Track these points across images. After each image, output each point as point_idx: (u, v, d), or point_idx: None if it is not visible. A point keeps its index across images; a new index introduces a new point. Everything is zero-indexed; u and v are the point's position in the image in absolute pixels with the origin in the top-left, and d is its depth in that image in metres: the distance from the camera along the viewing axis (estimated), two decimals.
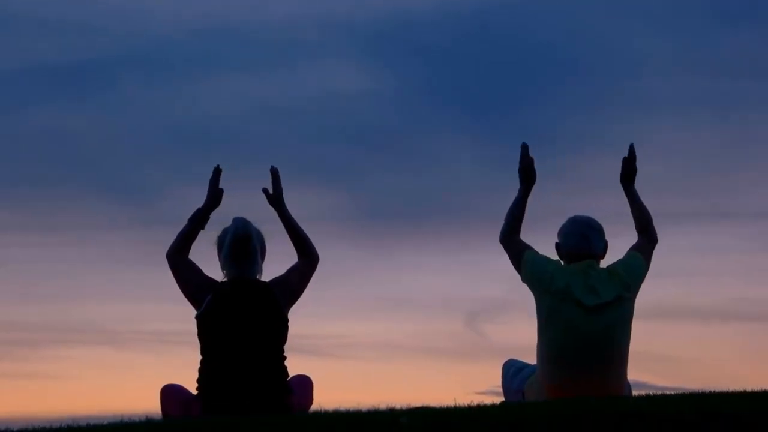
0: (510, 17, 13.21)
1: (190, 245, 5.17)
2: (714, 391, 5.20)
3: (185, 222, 5.22)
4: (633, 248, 5.50)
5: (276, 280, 5.08)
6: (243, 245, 5.04)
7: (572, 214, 5.54)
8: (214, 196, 5.27)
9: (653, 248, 5.53)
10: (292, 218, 5.31)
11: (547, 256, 5.44)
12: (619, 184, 5.70)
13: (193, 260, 5.16)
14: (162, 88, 13.46)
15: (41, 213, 12.95)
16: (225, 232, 5.13)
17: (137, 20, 13.36)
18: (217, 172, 5.30)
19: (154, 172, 12.93)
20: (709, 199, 12.71)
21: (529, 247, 5.44)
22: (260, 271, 5.10)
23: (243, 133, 13.33)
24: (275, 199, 5.35)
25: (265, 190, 5.38)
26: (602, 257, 5.45)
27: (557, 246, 5.50)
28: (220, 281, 5.08)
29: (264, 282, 5.06)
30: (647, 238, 5.56)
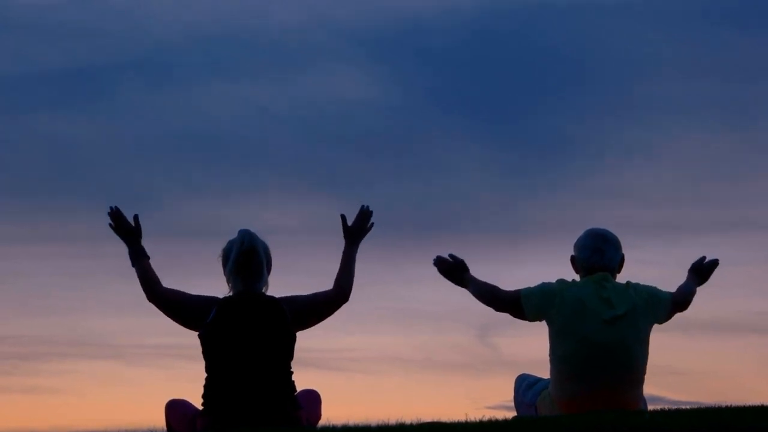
0: (518, 22, 13.22)
1: (155, 277, 5.14)
2: (730, 406, 5.20)
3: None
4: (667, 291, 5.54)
5: (288, 298, 5.07)
6: (249, 258, 5.04)
7: (583, 222, 5.59)
8: (127, 231, 5.23)
9: (679, 309, 5.55)
10: (354, 258, 5.30)
11: (542, 281, 5.47)
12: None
13: (174, 288, 5.12)
14: (165, 94, 13.48)
15: (44, 224, 12.94)
16: (230, 244, 5.12)
17: (140, 25, 13.39)
18: (114, 214, 5.24)
19: (158, 181, 12.94)
20: (725, 208, 12.69)
21: (518, 290, 5.46)
22: (266, 284, 5.09)
23: (247, 141, 13.34)
24: (352, 233, 5.33)
25: (343, 218, 5.37)
26: (618, 271, 5.49)
27: (572, 259, 5.54)
28: (223, 297, 5.07)
29: (271, 296, 5.06)
30: (682, 297, 5.59)
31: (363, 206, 5.41)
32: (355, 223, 5.37)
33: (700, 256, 5.79)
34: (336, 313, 5.20)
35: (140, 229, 5.25)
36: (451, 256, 5.66)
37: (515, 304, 5.44)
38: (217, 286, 5.13)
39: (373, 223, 5.40)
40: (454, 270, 5.64)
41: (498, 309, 5.52)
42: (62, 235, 12.68)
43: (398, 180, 13.30)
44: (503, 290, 5.51)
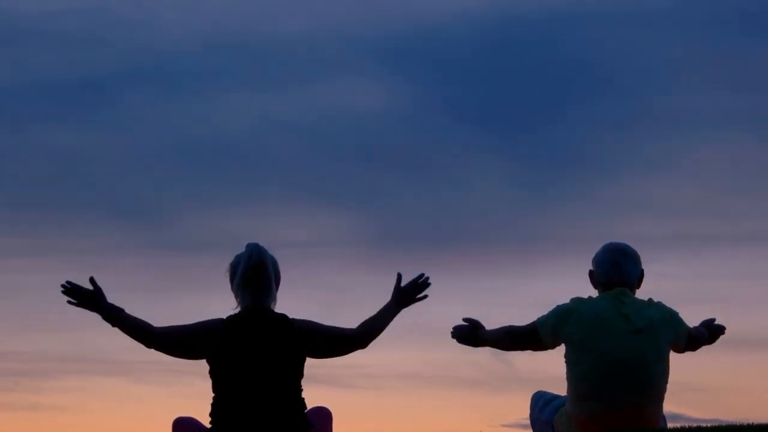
0: (534, 32, 13.24)
1: (142, 323, 5.04)
2: (752, 424, 5.19)
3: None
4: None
5: (302, 320, 5.05)
6: (257, 272, 5.02)
7: (602, 236, 5.61)
8: (90, 300, 5.03)
9: (690, 346, 5.56)
10: (392, 318, 5.24)
11: (556, 305, 5.48)
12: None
13: (167, 324, 5.08)
14: (172, 104, 13.51)
15: (47, 237, 12.96)
16: (238, 258, 5.10)
17: (146, 35, 13.43)
18: (71, 290, 5.02)
19: (164, 193, 12.96)
20: (745, 221, 12.68)
21: (534, 321, 5.48)
22: (275, 299, 5.09)
23: (256, 152, 13.36)
24: (401, 296, 5.27)
25: (398, 277, 5.28)
26: (638, 286, 5.51)
27: (590, 273, 5.57)
28: (228, 315, 5.06)
29: (281, 313, 5.06)
30: (697, 335, 5.61)
31: (422, 275, 5.33)
32: (407, 286, 5.29)
33: (711, 317, 5.78)
34: None
35: (100, 288, 5.05)
36: (465, 319, 5.66)
37: (534, 334, 5.45)
38: (225, 300, 5.16)
39: (426, 296, 5.31)
40: (472, 330, 5.63)
41: (521, 347, 5.55)
42: (65, 248, 12.70)
43: (411, 192, 13.31)
44: (519, 326, 5.53)
